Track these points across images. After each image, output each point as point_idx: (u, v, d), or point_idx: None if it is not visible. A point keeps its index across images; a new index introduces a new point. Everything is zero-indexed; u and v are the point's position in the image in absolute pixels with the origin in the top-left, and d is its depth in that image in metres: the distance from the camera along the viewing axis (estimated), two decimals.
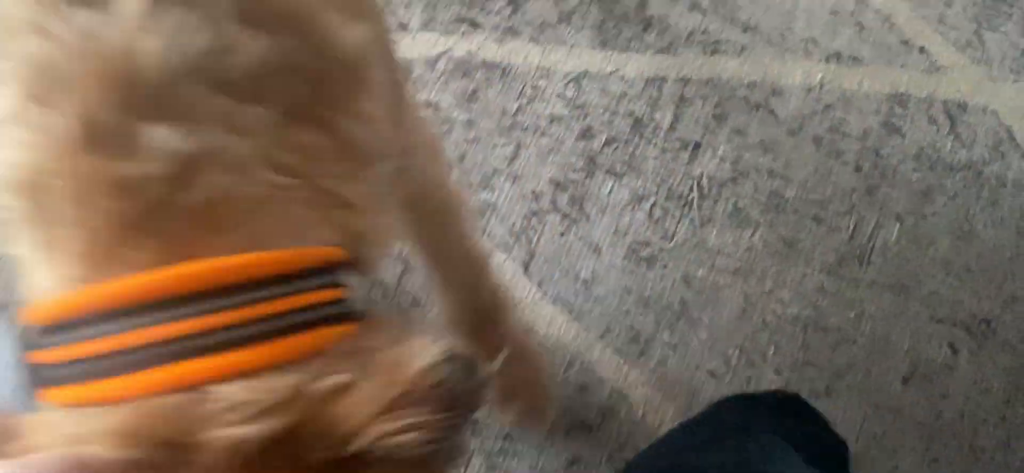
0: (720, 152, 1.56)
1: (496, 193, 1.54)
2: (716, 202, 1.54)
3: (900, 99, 1.58)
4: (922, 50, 1.61)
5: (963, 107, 1.58)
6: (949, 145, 1.56)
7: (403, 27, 1.61)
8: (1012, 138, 1.57)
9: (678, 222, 1.53)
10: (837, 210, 1.53)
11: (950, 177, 1.55)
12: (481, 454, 1.41)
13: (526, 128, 1.57)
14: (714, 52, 1.61)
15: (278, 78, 0.61)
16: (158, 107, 0.57)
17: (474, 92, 1.58)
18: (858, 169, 1.55)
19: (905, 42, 1.61)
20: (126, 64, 0.57)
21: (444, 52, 1.60)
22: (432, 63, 1.59)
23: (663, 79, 1.59)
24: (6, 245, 0.61)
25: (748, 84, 1.59)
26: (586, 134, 1.57)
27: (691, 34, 1.61)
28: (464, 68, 1.59)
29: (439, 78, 1.59)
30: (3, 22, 0.59)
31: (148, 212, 0.57)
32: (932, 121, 1.58)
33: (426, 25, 1.61)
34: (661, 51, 1.60)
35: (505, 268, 1.50)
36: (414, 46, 1.60)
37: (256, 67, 0.60)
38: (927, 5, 1.63)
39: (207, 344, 0.55)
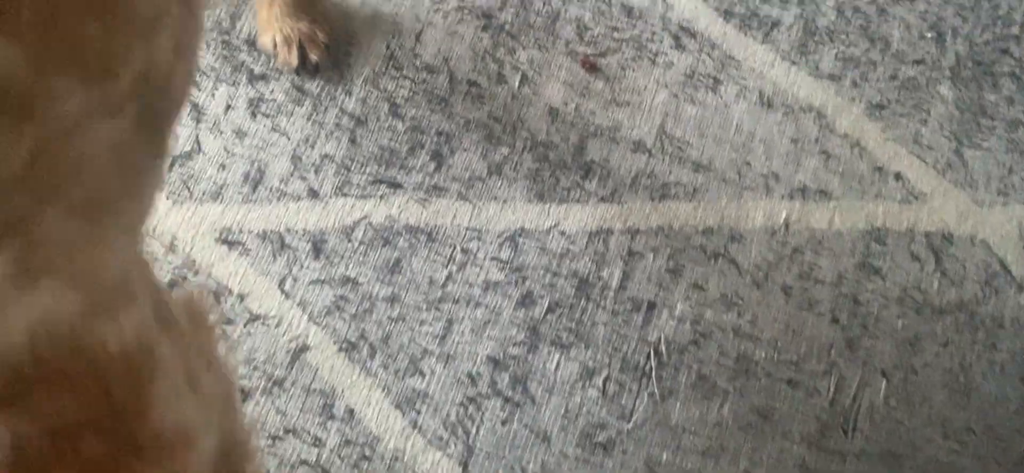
0: (678, 311, 1.37)
1: (426, 379, 1.34)
2: (677, 371, 1.34)
3: (877, 235, 1.40)
4: (898, 176, 1.42)
5: (949, 239, 1.40)
6: (936, 284, 1.38)
7: (313, 194, 1.42)
8: (1006, 270, 1.38)
9: (636, 398, 1.33)
10: (814, 370, 1.34)
11: (940, 321, 1.36)
12: None
13: (458, 299, 1.38)
14: (663, 197, 1.42)
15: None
16: None
17: (397, 262, 1.39)
18: (835, 320, 1.36)
19: (878, 169, 1.43)
20: None
21: (361, 219, 1.41)
22: (348, 232, 1.40)
23: (608, 231, 1.41)
24: None
25: (704, 231, 1.40)
26: (526, 301, 1.38)
27: (636, 178, 1.43)
28: (385, 235, 1.40)
29: (357, 250, 1.39)
30: None
31: None
32: (915, 258, 1.39)
33: (340, 190, 1.42)
34: (604, 200, 1.42)
35: (440, 469, 1.30)
36: (327, 215, 1.41)
37: None
38: (899, 125, 1.45)
39: None
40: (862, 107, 1.46)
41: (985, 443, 1.31)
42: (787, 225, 1.40)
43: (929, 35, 1.49)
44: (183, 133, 1.44)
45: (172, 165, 1.42)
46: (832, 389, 1.33)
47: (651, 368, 1.35)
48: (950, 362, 1.34)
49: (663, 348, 1.35)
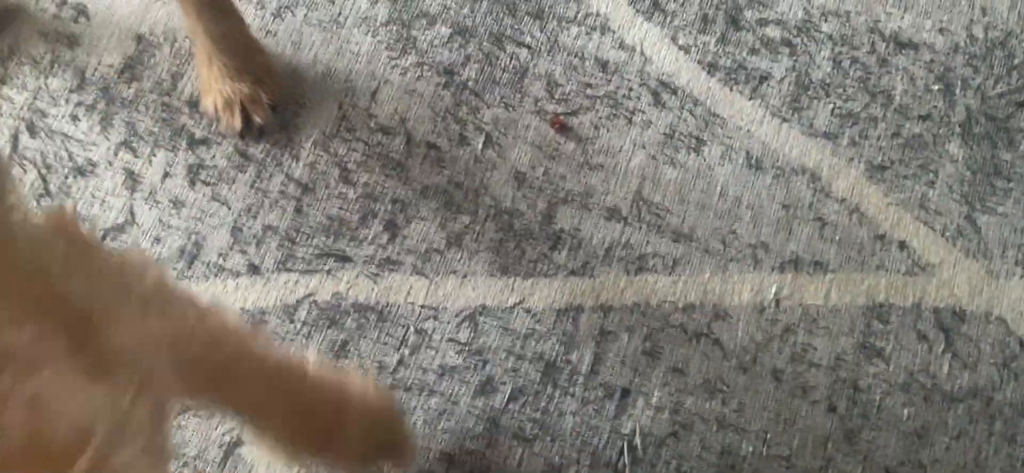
0: (655, 399, 1.17)
1: None
2: (654, 467, 1.15)
3: (879, 312, 1.20)
4: (902, 245, 1.23)
5: (960, 315, 1.20)
6: (947, 367, 1.18)
7: (254, 269, 1.24)
8: None
9: None
10: (809, 466, 1.14)
11: (951, 410, 1.16)
12: None
13: (410, 387, 1.19)
14: (640, 270, 1.23)
15: None
16: None
17: (344, 344, 1.21)
18: (832, 409, 1.16)
19: (880, 237, 1.23)
20: None
21: (306, 296, 1.23)
22: (290, 312, 1.22)
23: (578, 309, 1.22)
24: None
25: (685, 308, 1.21)
26: (486, 388, 1.19)
27: (610, 249, 1.24)
28: (331, 315, 1.22)
29: (300, 331, 1.21)
30: None
31: None
32: (922, 337, 1.19)
33: (282, 264, 1.24)
34: (574, 273, 1.23)
35: None
36: (268, 292, 1.23)
37: None
38: (904, 187, 1.25)
39: None
40: (862, 168, 1.26)
41: None
42: (777, 301, 1.21)
43: (936, 87, 1.30)
44: (116, 203, 1.27)
45: (103, 238, 1.25)
46: None
47: (624, 464, 1.15)
48: (964, 456, 1.14)
49: (638, 441, 1.16)
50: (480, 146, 1.29)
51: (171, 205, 1.27)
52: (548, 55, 1.33)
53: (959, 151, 1.27)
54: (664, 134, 1.29)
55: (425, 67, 1.32)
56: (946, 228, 1.24)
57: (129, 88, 1.32)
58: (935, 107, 1.29)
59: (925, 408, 1.16)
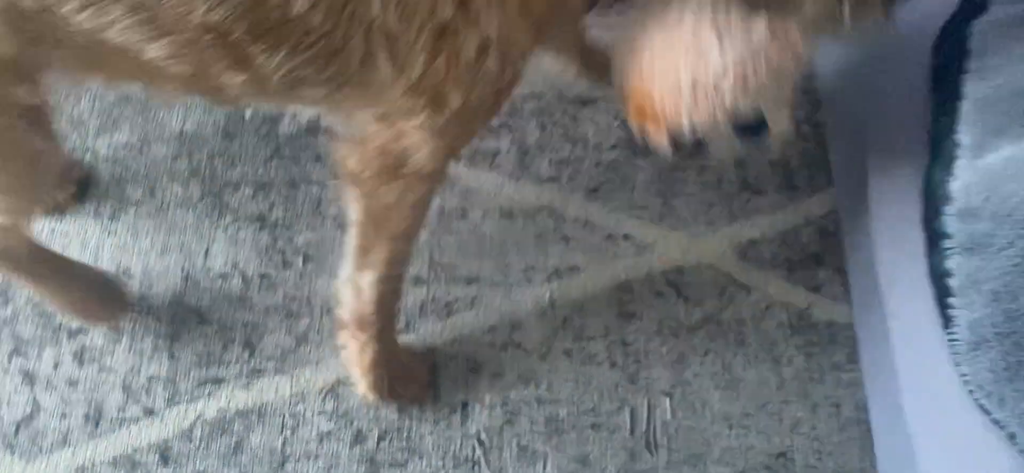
0: (487, 401, 1.46)
1: None
2: (501, 450, 1.43)
3: (625, 286, 1.54)
4: (626, 237, 1.57)
5: (681, 271, 1.55)
6: (682, 310, 1.52)
7: (149, 412, 1.45)
8: (733, 281, 1.54)
9: None
10: (609, 410, 1.45)
11: (695, 337, 1.50)
12: None
13: (298, 458, 1.43)
14: (449, 313, 1.52)
15: None
16: None
17: (237, 445, 1.43)
18: (613, 364, 1.48)
19: (609, 236, 1.58)
20: None
21: (196, 419, 1.45)
22: (188, 435, 1.44)
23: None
24: None
25: (489, 329, 1.51)
26: (358, 438, 1.44)
27: (423, 306, 1.52)
28: (221, 426, 1.44)
29: (199, 446, 1.43)
30: None
31: None
32: (659, 294, 1.53)
33: (171, 401, 1.46)
34: (401, 331, 1.50)
35: None
36: (165, 426, 1.44)
37: None
38: (614, 197, 1.60)
39: None
40: (581, 194, 1.61)
41: (762, 419, 1.44)
42: (553, 303, 1.52)
43: (616, 123, 1.67)
44: (20, 399, 1.45)
45: (17, 430, 1.43)
46: (628, 421, 1.45)
47: (479, 456, 1.42)
48: (714, 366, 1.48)
49: (484, 436, 1.44)
50: (301, 264, 1.56)
51: (67, 386, 1.46)
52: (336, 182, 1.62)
53: (645, 162, 1.64)
54: (437, 213, 1.59)
55: (241, 219, 1.58)
56: (652, 215, 1.60)
57: (6, 308, 1.51)
58: (620, 137, 1.66)
59: (677, 342, 1.50)
